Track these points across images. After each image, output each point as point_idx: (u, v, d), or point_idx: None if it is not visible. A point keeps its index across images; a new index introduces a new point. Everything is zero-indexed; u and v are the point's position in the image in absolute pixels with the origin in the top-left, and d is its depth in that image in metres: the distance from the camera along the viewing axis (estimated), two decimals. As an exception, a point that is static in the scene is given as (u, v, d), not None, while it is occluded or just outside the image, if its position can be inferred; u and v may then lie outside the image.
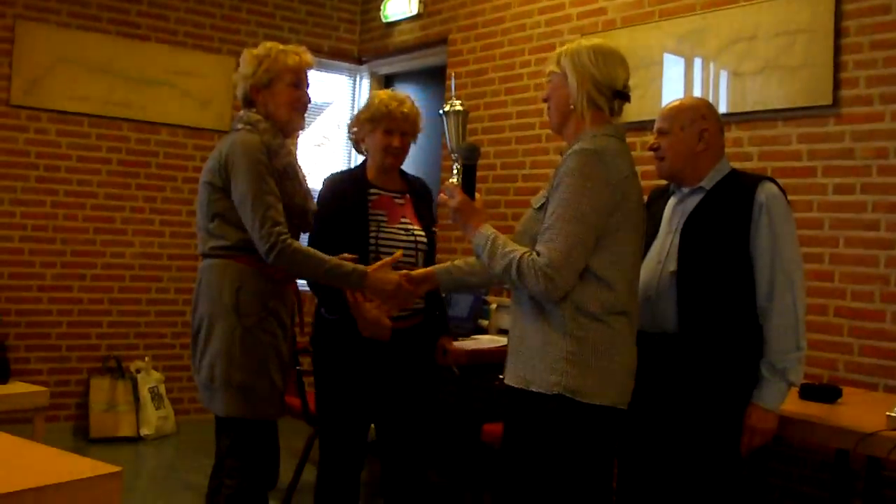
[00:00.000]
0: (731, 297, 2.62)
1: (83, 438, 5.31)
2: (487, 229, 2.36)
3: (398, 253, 2.97)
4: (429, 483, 3.43)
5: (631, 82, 2.43)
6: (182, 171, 5.82)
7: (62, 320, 5.42)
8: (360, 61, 6.54)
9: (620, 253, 2.29)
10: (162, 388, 5.58)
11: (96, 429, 5.31)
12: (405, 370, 3.23)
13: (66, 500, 1.68)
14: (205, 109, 5.87)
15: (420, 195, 3.35)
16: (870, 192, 3.57)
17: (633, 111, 2.49)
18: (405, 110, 3.21)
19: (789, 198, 2.73)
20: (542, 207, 2.32)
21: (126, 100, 5.59)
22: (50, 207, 5.38)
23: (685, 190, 2.78)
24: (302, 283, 3.05)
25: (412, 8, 5.93)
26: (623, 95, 2.39)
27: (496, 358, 3.37)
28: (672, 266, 2.67)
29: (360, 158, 3.38)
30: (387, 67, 6.50)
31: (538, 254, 2.23)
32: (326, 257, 2.75)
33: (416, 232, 3.22)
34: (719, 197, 2.70)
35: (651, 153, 2.83)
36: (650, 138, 2.84)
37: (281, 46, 2.89)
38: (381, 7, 6.22)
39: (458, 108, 2.52)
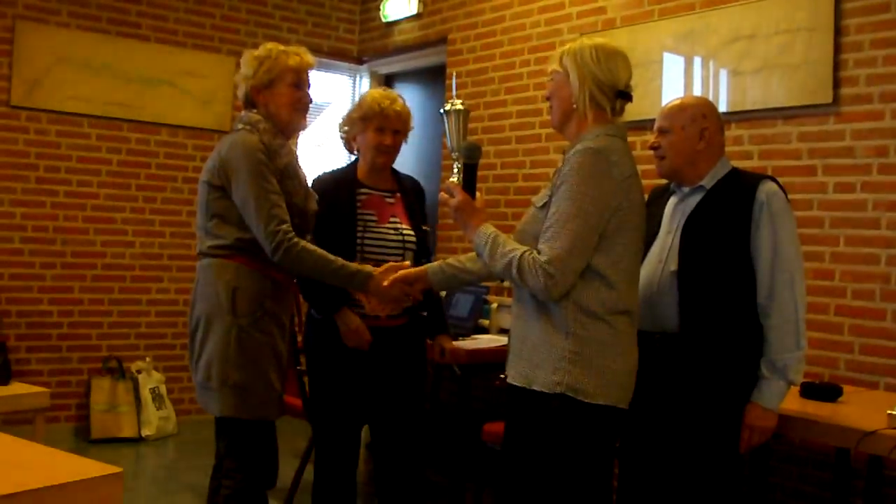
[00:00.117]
0: (732, 297, 2.62)
1: (84, 439, 5.30)
2: (488, 228, 2.36)
3: (406, 263, 2.96)
4: (424, 482, 3.43)
5: (631, 81, 2.43)
6: (182, 171, 5.82)
7: (63, 321, 5.42)
8: (359, 61, 6.54)
9: (622, 252, 2.29)
10: (163, 389, 5.58)
11: (97, 429, 5.31)
12: (395, 369, 3.24)
13: (67, 500, 1.68)
14: (205, 110, 5.87)
15: (411, 194, 3.35)
16: (870, 190, 3.57)
17: (632, 110, 2.48)
18: (397, 108, 3.22)
19: (790, 196, 2.73)
20: (545, 206, 2.32)
21: (126, 100, 5.59)
22: (50, 208, 5.38)
23: (685, 189, 2.78)
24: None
25: (412, 7, 5.93)
26: (625, 95, 2.39)
27: (497, 357, 3.38)
28: (673, 265, 2.67)
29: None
30: (386, 67, 6.49)
31: (539, 252, 2.23)
32: (332, 257, 2.76)
33: (405, 231, 3.23)
34: (720, 196, 2.70)
35: (651, 152, 2.83)
36: (650, 137, 2.84)
37: (282, 47, 2.89)
38: (381, 7, 6.23)
39: (459, 107, 2.53)
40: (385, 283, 2.75)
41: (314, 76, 2.96)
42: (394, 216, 3.25)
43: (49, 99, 5.34)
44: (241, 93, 2.90)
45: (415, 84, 6.30)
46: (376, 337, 3.17)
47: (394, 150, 3.27)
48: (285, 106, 2.83)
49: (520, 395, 2.33)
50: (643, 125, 3.93)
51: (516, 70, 5.16)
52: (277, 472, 2.83)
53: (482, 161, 2.51)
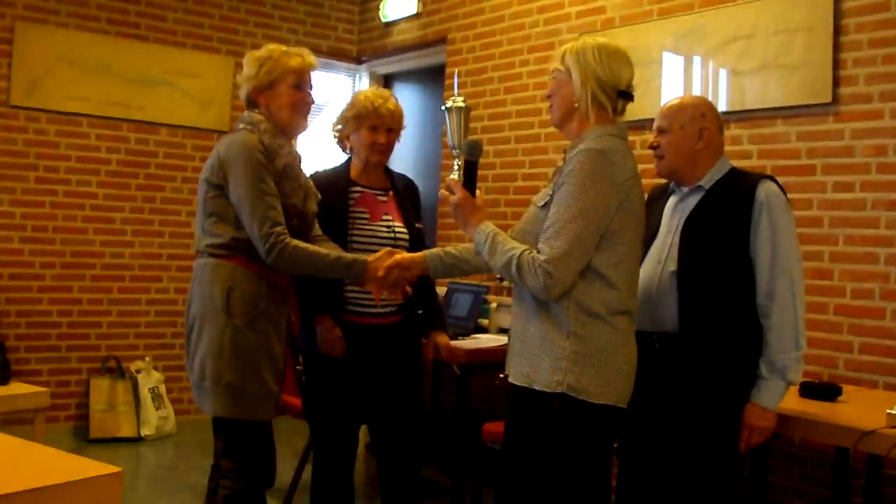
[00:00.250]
0: (732, 297, 2.62)
1: (83, 439, 5.30)
2: (488, 226, 2.37)
3: (399, 252, 2.97)
4: (422, 480, 3.43)
5: (633, 81, 2.43)
6: (181, 171, 5.82)
7: (62, 321, 5.42)
8: (359, 61, 6.54)
9: (623, 253, 2.30)
10: (162, 389, 5.58)
11: (96, 429, 5.31)
12: (391, 367, 3.25)
13: (67, 500, 1.68)
14: (204, 109, 5.87)
15: (404, 192, 3.37)
16: (869, 189, 3.57)
17: (632, 110, 2.48)
18: (390, 107, 3.24)
19: (789, 196, 2.73)
20: (546, 205, 2.32)
21: (125, 100, 5.59)
22: (49, 208, 5.38)
23: (685, 189, 2.78)
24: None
25: (411, 7, 5.93)
26: (627, 95, 2.39)
27: (496, 357, 3.37)
28: (672, 266, 2.67)
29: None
30: (386, 67, 6.49)
31: (539, 251, 2.23)
32: (325, 251, 2.76)
33: (397, 228, 3.24)
34: (719, 196, 2.70)
35: (650, 151, 2.83)
36: (649, 137, 2.84)
37: (284, 48, 2.89)
38: (380, 6, 6.23)
39: (461, 104, 2.53)
40: (380, 271, 2.74)
41: (314, 76, 2.96)
42: (386, 214, 3.27)
43: (48, 99, 5.34)
44: (242, 93, 2.90)
45: (414, 84, 6.30)
46: (372, 335, 3.18)
47: (388, 149, 3.29)
48: (286, 107, 2.83)
49: (520, 394, 2.33)
50: (642, 125, 3.93)
51: (516, 70, 5.16)
52: (275, 472, 2.83)
53: (481, 161, 2.51)
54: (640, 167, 2.38)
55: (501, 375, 2.45)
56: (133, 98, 5.62)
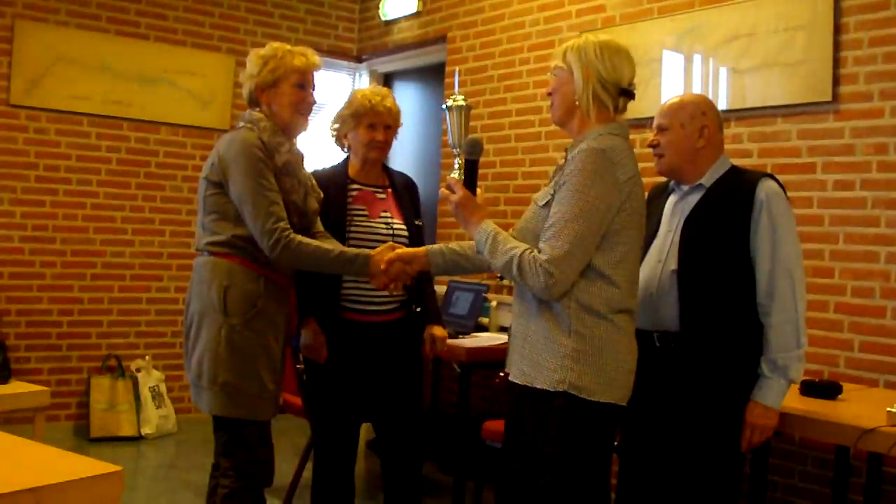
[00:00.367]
0: (732, 295, 2.62)
1: (84, 438, 5.30)
2: (488, 225, 2.36)
3: (400, 246, 2.97)
4: (423, 478, 3.44)
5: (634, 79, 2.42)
6: (182, 169, 5.82)
7: (62, 320, 5.42)
8: (359, 59, 6.54)
9: (624, 252, 2.29)
10: (162, 387, 5.59)
11: (97, 428, 5.31)
12: (391, 365, 3.25)
13: (67, 499, 1.68)
14: (204, 108, 5.87)
15: (403, 190, 3.38)
16: (870, 188, 3.57)
17: (631, 108, 2.48)
18: (387, 104, 3.25)
19: (789, 194, 2.73)
20: (547, 205, 2.31)
21: (125, 99, 5.59)
22: (49, 207, 5.38)
23: (685, 188, 2.78)
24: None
25: (411, 6, 5.93)
26: (628, 93, 2.38)
27: (497, 355, 3.38)
28: (673, 264, 2.67)
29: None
30: (386, 65, 6.49)
31: (540, 251, 2.23)
32: (329, 247, 2.76)
33: (395, 225, 3.25)
34: (719, 194, 2.69)
35: (650, 150, 2.83)
36: (649, 135, 2.84)
37: (288, 47, 2.88)
38: (380, 5, 6.22)
39: (461, 103, 2.53)
40: (382, 264, 2.74)
41: (316, 76, 2.95)
42: (385, 211, 3.27)
43: (48, 98, 5.34)
44: (245, 91, 2.90)
45: (414, 82, 6.30)
46: (372, 333, 3.19)
47: (385, 146, 3.30)
48: (288, 106, 2.83)
49: (521, 392, 2.33)
50: (642, 123, 3.93)
51: (516, 68, 5.15)
52: (274, 471, 2.83)
53: (482, 160, 2.51)
54: (641, 166, 2.38)
55: (502, 374, 2.45)
56: (133, 97, 5.62)
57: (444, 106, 2.56)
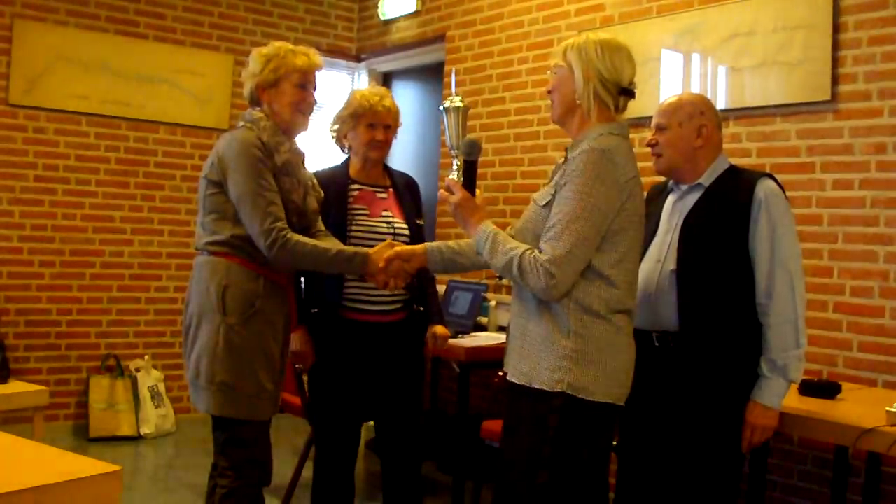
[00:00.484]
0: (731, 295, 2.62)
1: (83, 438, 5.30)
2: (488, 226, 2.36)
3: (397, 243, 2.97)
4: (423, 477, 3.44)
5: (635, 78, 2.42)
6: (181, 169, 5.82)
7: (61, 319, 5.42)
8: (358, 59, 6.54)
9: (624, 252, 2.29)
10: (161, 387, 5.58)
11: (96, 428, 5.31)
12: (394, 365, 3.26)
13: (66, 499, 1.68)
14: (203, 108, 5.87)
15: (404, 189, 3.39)
16: (869, 187, 3.57)
17: (630, 107, 2.47)
18: (386, 104, 3.27)
19: (788, 194, 2.73)
20: (548, 205, 2.31)
21: (124, 98, 5.59)
22: (48, 206, 5.37)
23: (683, 187, 2.78)
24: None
25: (410, 5, 5.93)
26: (629, 92, 2.37)
27: (496, 355, 3.38)
28: (672, 264, 2.67)
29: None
30: (385, 65, 6.49)
31: (540, 251, 2.23)
32: (326, 246, 2.76)
33: (396, 224, 3.26)
34: (718, 194, 2.69)
35: (648, 149, 2.83)
36: (648, 134, 2.84)
37: (290, 46, 2.88)
38: (379, 4, 6.22)
39: (459, 103, 2.52)
40: (381, 262, 2.74)
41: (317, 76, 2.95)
42: (386, 210, 3.28)
43: (47, 97, 5.33)
44: (246, 90, 2.89)
45: (413, 81, 6.30)
46: (375, 333, 3.19)
47: (385, 145, 3.31)
48: (288, 105, 2.82)
49: (519, 392, 2.33)
50: (641, 122, 3.93)
51: (515, 67, 5.15)
52: (272, 471, 2.83)
53: (481, 159, 2.50)
54: (640, 165, 2.38)
55: (501, 373, 2.44)
56: (132, 96, 5.61)
57: (441, 107, 2.55)
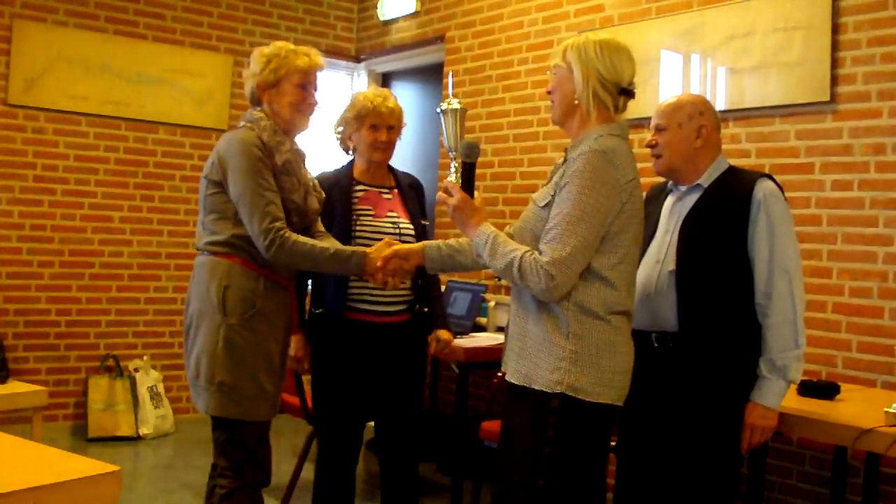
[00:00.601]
0: (730, 296, 2.62)
1: (82, 438, 5.30)
2: (487, 227, 2.36)
3: (395, 242, 2.97)
4: (421, 478, 3.44)
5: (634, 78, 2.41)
6: (180, 169, 5.82)
7: (60, 319, 5.42)
8: (357, 59, 6.54)
9: (623, 254, 2.29)
10: (160, 388, 5.58)
11: (95, 428, 5.31)
12: (398, 365, 3.27)
13: (65, 499, 1.68)
14: (202, 108, 5.87)
15: (408, 190, 3.39)
16: (868, 188, 3.57)
17: (629, 108, 2.47)
18: (389, 105, 3.27)
19: (787, 194, 2.73)
20: (548, 206, 2.30)
21: (124, 99, 5.59)
22: (48, 207, 5.37)
23: (682, 188, 2.78)
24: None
25: (409, 6, 5.93)
26: (628, 93, 2.37)
27: (495, 356, 3.38)
28: (671, 265, 2.67)
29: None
30: (384, 65, 6.49)
31: (540, 252, 2.23)
32: (324, 245, 2.76)
33: (402, 224, 3.26)
34: (717, 195, 2.69)
35: (647, 150, 2.83)
36: (647, 135, 2.84)
37: (292, 46, 2.88)
38: (378, 5, 6.22)
39: (456, 105, 2.51)
40: (379, 261, 2.74)
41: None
42: (391, 211, 3.29)
43: (47, 97, 5.33)
44: (247, 89, 2.89)
45: (412, 82, 6.30)
46: (380, 334, 3.19)
47: (389, 146, 3.32)
48: (288, 106, 2.82)
49: (518, 393, 2.33)
50: (640, 123, 3.93)
51: (514, 68, 5.16)
52: (271, 471, 2.83)
53: (480, 159, 2.50)
54: (639, 166, 2.38)
55: (500, 374, 2.44)
56: (131, 96, 5.61)
57: (438, 110, 2.54)
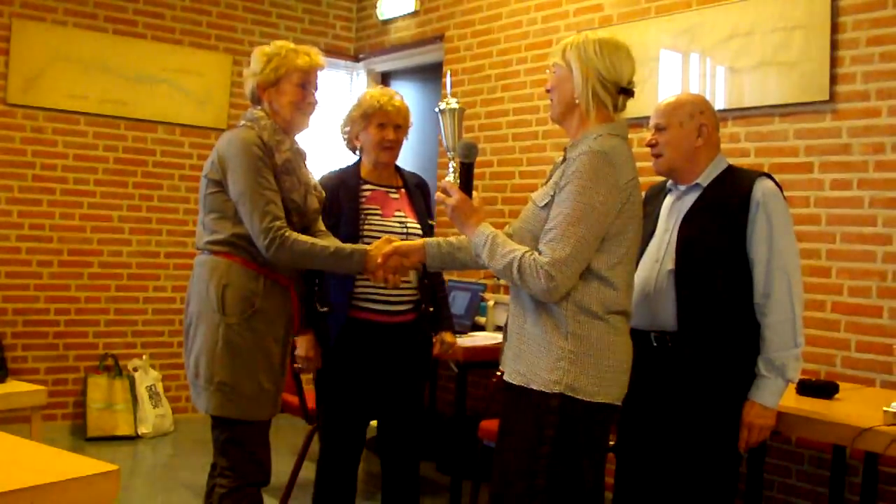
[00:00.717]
0: (729, 295, 2.62)
1: (81, 437, 5.30)
2: (486, 228, 2.35)
3: (395, 239, 2.97)
4: (421, 477, 3.44)
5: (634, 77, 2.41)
6: (179, 169, 5.81)
7: (59, 319, 5.42)
8: (356, 59, 6.54)
9: (622, 254, 2.29)
10: (159, 387, 5.58)
11: (94, 427, 5.31)
12: (403, 365, 3.27)
13: (64, 498, 1.68)
14: (201, 107, 5.86)
15: (416, 189, 3.39)
16: (866, 187, 3.57)
17: (629, 107, 2.47)
18: (396, 104, 3.27)
19: (786, 194, 2.73)
20: (547, 206, 2.30)
21: (123, 98, 5.59)
22: (47, 206, 5.37)
23: (682, 187, 2.78)
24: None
25: (409, 5, 5.93)
26: (628, 92, 2.36)
27: (493, 355, 3.38)
28: (670, 264, 2.67)
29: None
30: (383, 65, 6.49)
31: (540, 253, 2.23)
32: (325, 243, 2.76)
33: (409, 224, 3.27)
34: (716, 194, 2.69)
35: (646, 149, 2.82)
36: (646, 134, 2.84)
37: (292, 45, 2.87)
38: (377, 4, 6.22)
39: (454, 105, 2.51)
40: (379, 258, 2.73)
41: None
42: (399, 210, 3.28)
43: (46, 96, 5.33)
44: (247, 89, 2.89)
45: (411, 81, 6.30)
46: (385, 334, 3.20)
47: (396, 146, 3.31)
48: (289, 105, 2.82)
49: (517, 392, 2.33)
50: (639, 123, 3.93)
51: (513, 67, 5.16)
52: (270, 471, 2.83)
53: (479, 159, 2.50)
54: (637, 165, 2.38)
55: (498, 373, 2.44)
56: (130, 96, 5.61)
57: (436, 109, 2.53)
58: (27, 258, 5.31)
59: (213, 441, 2.82)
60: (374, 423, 3.40)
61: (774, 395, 2.61)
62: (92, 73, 5.47)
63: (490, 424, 3.81)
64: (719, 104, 4.01)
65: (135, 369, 5.53)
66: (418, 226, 3.29)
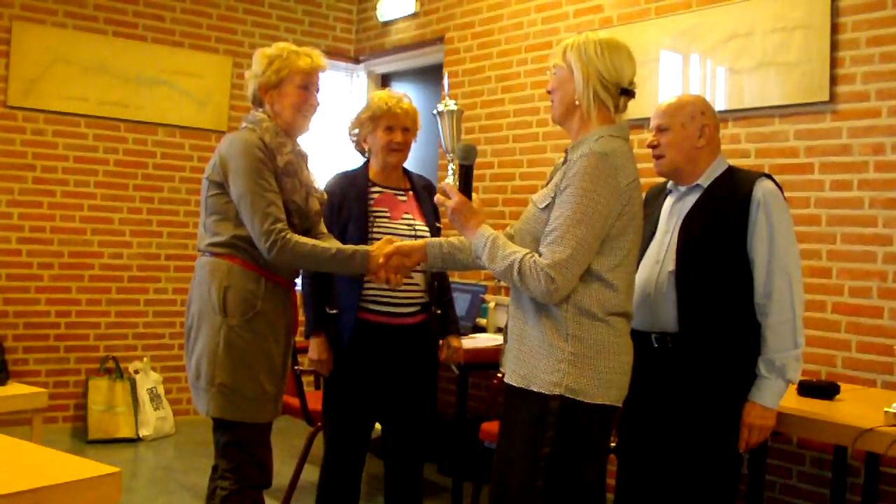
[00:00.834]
0: (730, 296, 2.62)
1: (82, 440, 5.30)
2: (486, 230, 2.35)
3: (396, 239, 2.97)
4: (423, 479, 3.44)
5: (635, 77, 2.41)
6: (179, 171, 5.81)
7: (60, 321, 5.42)
8: (356, 60, 6.54)
9: (622, 256, 2.29)
10: (160, 389, 5.58)
11: (95, 430, 5.31)
12: (410, 367, 3.27)
13: (65, 501, 1.68)
14: (202, 109, 5.87)
15: (423, 192, 3.40)
16: (867, 188, 3.57)
17: (629, 108, 2.46)
18: (404, 106, 3.28)
19: (786, 194, 2.73)
20: (548, 208, 2.30)
21: (123, 100, 5.59)
22: (47, 208, 5.37)
23: (682, 188, 2.78)
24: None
25: (409, 7, 5.93)
26: (629, 92, 2.36)
27: (494, 357, 3.38)
28: (670, 265, 2.67)
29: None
30: (384, 66, 6.49)
31: (540, 255, 2.23)
32: (327, 245, 2.76)
33: (418, 226, 3.27)
34: (716, 195, 2.69)
35: (647, 150, 2.82)
36: (647, 136, 2.84)
37: (294, 47, 2.87)
38: (377, 6, 6.22)
39: (453, 107, 2.50)
40: (381, 258, 2.73)
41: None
42: (407, 213, 3.29)
43: (46, 99, 5.33)
44: (249, 90, 2.89)
45: (412, 83, 6.30)
46: (393, 336, 3.20)
47: (405, 148, 3.31)
48: (290, 107, 2.82)
49: (517, 394, 2.33)
50: (640, 124, 3.93)
51: (513, 69, 5.16)
52: (272, 473, 2.83)
53: (479, 160, 2.49)
54: (638, 167, 2.38)
55: (499, 375, 2.44)
56: (131, 98, 5.61)
57: (434, 111, 2.52)
58: (28, 260, 5.31)
59: (214, 443, 2.82)
60: (377, 425, 3.40)
61: (775, 396, 2.61)
62: (92, 76, 5.47)
63: (491, 426, 3.81)
64: (719, 105, 4.01)
65: (136, 371, 5.53)
66: (426, 228, 3.29)
